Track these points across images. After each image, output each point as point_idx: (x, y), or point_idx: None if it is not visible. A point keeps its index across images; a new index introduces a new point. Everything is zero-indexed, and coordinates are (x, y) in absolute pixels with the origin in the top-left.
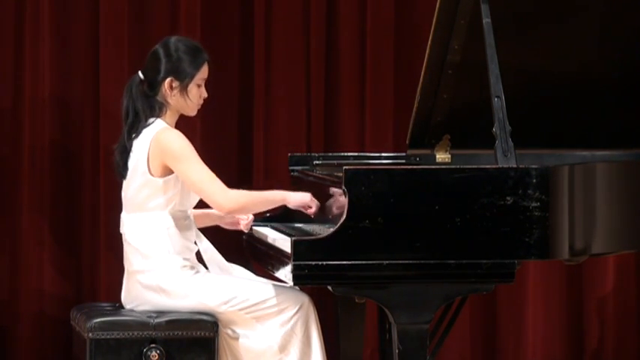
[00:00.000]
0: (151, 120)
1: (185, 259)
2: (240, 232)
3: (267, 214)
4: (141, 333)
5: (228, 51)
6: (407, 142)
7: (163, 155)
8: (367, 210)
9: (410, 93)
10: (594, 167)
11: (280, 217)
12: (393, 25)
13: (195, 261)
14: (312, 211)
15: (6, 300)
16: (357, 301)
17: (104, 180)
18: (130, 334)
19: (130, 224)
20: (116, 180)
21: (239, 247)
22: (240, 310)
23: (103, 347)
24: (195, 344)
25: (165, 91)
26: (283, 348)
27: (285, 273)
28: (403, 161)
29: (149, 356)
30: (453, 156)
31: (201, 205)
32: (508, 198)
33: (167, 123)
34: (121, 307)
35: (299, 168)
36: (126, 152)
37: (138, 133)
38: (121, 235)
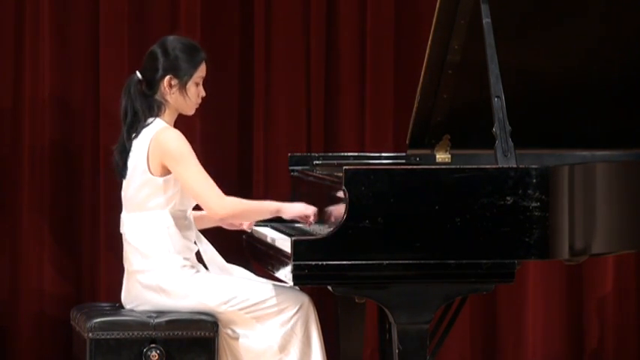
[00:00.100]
0: (150, 120)
1: (185, 258)
2: (240, 233)
3: None
4: (141, 333)
5: (228, 51)
6: (407, 142)
7: (162, 155)
8: (367, 210)
9: (410, 93)
10: (594, 167)
11: (280, 217)
12: (393, 25)
13: (195, 261)
14: (310, 220)
15: (6, 300)
16: (357, 301)
17: (104, 180)
18: (130, 334)
19: (130, 224)
20: (116, 180)
21: (239, 247)
22: (240, 310)
23: (103, 347)
24: (195, 344)
25: (165, 89)
26: (283, 348)
27: (285, 273)
28: (403, 161)
29: (149, 356)
30: (453, 156)
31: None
32: (508, 198)
33: (166, 122)
34: (121, 307)
35: (299, 168)
36: (125, 152)
37: (137, 133)
38: (121, 235)
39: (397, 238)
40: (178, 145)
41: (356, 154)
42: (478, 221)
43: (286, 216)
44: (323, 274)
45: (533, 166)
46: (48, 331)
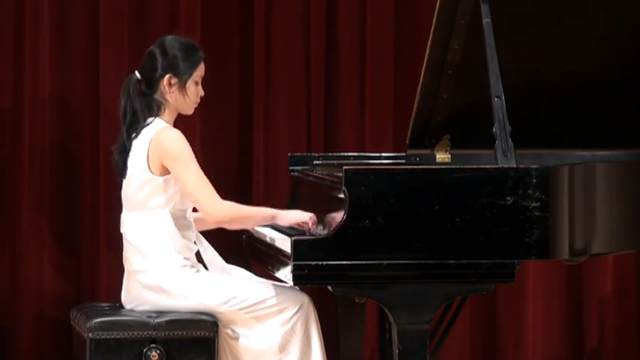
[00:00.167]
0: (149, 119)
1: (185, 258)
2: (240, 233)
3: None
4: (141, 333)
5: (228, 51)
6: (407, 142)
7: (162, 155)
8: (367, 210)
9: (410, 93)
10: (594, 167)
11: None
12: (393, 25)
13: (195, 260)
14: (308, 227)
15: (6, 300)
16: (357, 301)
17: (104, 180)
18: (130, 334)
19: (130, 223)
20: (116, 180)
21: (239, 248)
22: (240, 309)
23: (103, 347)
24: (195, 344)
25: (164, 88)
26: (283, 348)
27: (285, 273)
28: (403, 161)
29: (149, 356)
30: (453, 156)
31: None
32: (508, 198)
33: (165, 122)
34: (121, 307)
35: (299, 168)
36: (125, 152)
37: (137, 133)
38: (121, 234)
39: (397, 238)
40: (178, 145)
41: (356, 154)
42: (478, 221)
43: (283, 223)
44: (323, 274)
45: (533, 166)
46: (48, 331)
